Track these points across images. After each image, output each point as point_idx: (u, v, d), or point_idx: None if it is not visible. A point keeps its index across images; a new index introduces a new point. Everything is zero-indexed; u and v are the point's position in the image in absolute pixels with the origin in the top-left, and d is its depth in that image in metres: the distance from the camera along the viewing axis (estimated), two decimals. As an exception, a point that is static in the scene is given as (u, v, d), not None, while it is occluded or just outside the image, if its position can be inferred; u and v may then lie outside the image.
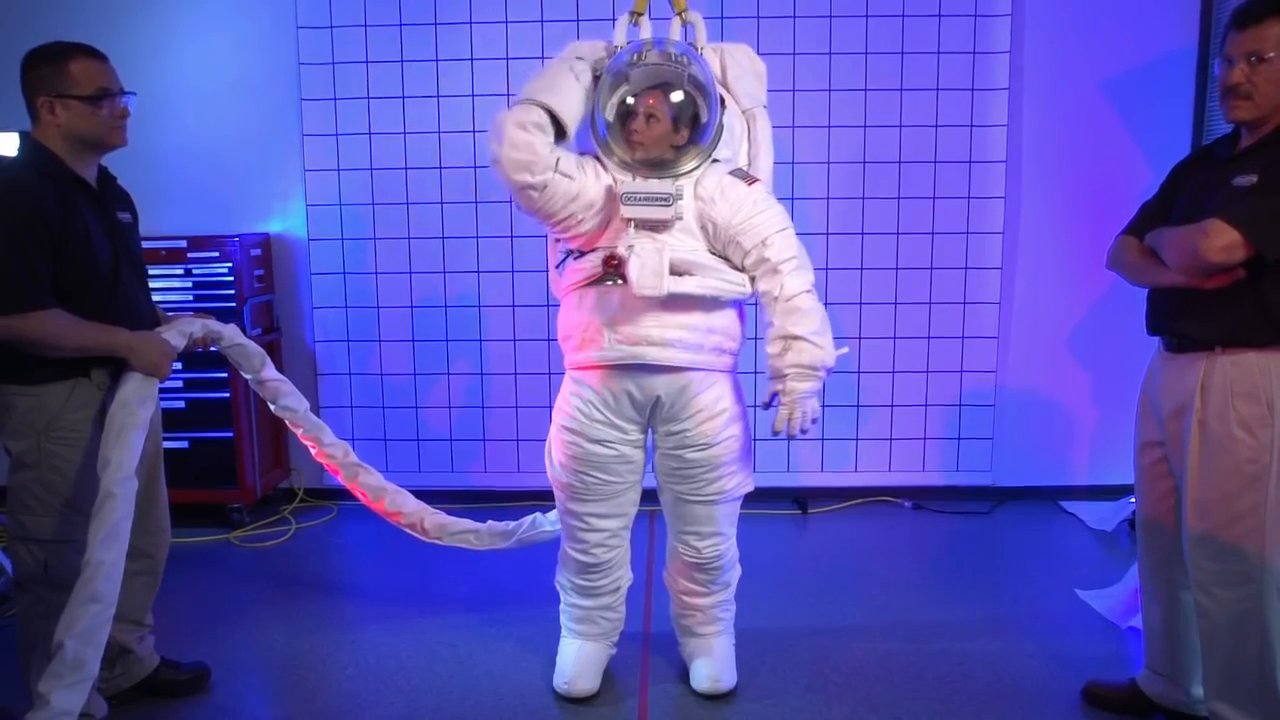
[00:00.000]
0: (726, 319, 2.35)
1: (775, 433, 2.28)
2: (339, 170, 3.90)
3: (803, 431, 2.27)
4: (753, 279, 2.33)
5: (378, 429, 4.05)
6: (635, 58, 2.29)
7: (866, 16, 3.77)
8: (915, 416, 4.00)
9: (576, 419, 2.37)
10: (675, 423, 2.36)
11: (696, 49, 2.44)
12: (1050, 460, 4.03)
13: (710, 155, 2.33)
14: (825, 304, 3.90)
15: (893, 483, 4.05)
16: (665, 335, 2.26)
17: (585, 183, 2.26)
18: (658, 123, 2.25)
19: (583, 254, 2.32)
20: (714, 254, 2.31)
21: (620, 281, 2.26)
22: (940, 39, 3.77)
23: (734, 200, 2.28)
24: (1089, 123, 3.82)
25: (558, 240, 2.41)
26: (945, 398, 3.97)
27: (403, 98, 3.83)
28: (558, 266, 2.42)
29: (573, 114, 2.26)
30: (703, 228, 2.29)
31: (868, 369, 3.95)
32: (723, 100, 2.38)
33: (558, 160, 2.22)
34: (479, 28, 3.80)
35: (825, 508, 3.98)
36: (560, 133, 2.25)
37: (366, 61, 3.83)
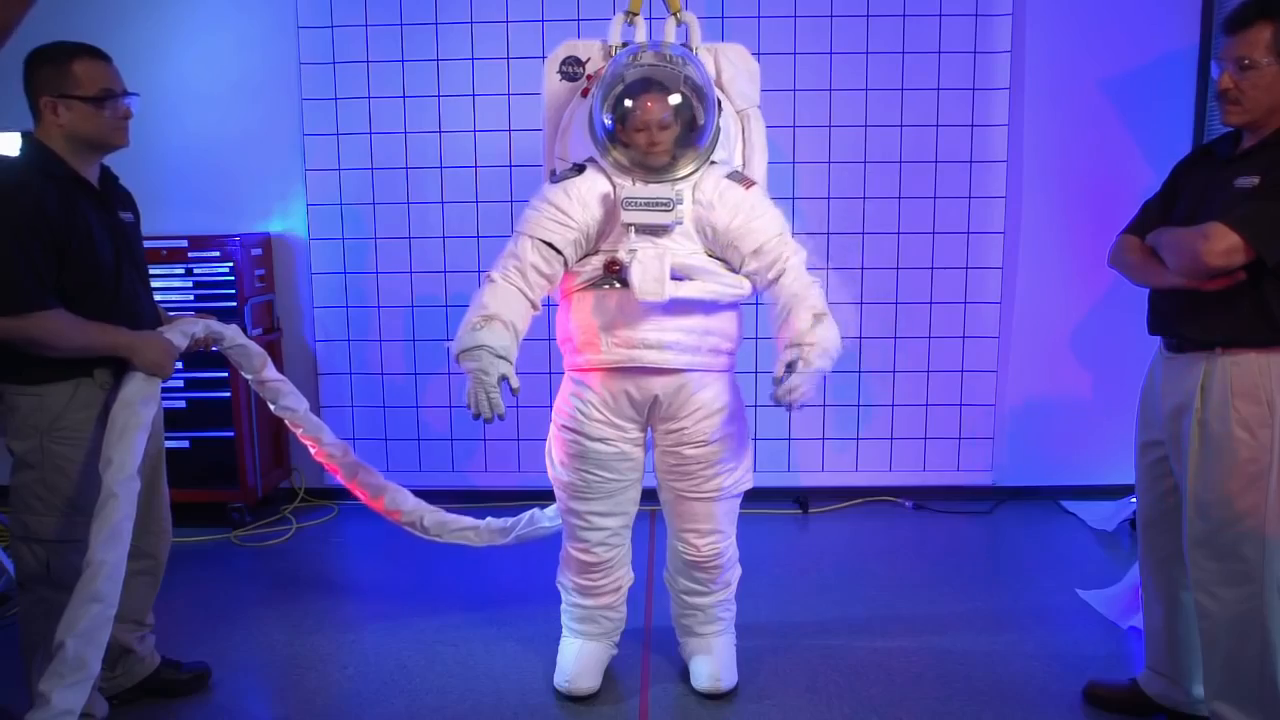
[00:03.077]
0: (724, 320, 2.36)
1: (778, 400, 2.15)
2: (340, 170, 3.90)
3: (800, 407, 2.17)
4: (753, 281, 2.33)
5: (378, 428, 4.05)
6: (632, 59, 2.30)
7: (867, 16, 3.77)
8: (916, 416, 4.00)
9: (576, 418, 2.38)
10: (674, 421, 2.37)
11: (691, 49, 2.44)
12: (1051, 460, 4.03)
13: (708, 158, 2.34)
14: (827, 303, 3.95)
15: (893, 482, 4.04)
16: (662, 339, 2.28)
17: (583, 227, 2.29)
18: (666, 130, 2.26)
19: (582, 257, 2.33)
20: (712, 256, 2.32)
21: (618, 285, 2.27)
22: (941, 39, 3.77)
23: (732, 204, 2.29)
24: (1090, 122, 3.81)
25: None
26: (946, 397, 3.97)
27: (403, 97, 3.84)
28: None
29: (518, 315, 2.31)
30: (700, 231, 2.30)
31: (869, 368, 3.95)
32: (719, 102, 2.39)
33: (564, 260, 2.31)
34: (479, 27, 3.80)
35: (826, 507, 3.98)
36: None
37: (367, 61, 3.83)
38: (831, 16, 3.76)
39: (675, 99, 2.26)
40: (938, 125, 3.82)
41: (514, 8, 3.77)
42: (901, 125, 3.82)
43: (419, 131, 3.86)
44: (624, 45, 2.45)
